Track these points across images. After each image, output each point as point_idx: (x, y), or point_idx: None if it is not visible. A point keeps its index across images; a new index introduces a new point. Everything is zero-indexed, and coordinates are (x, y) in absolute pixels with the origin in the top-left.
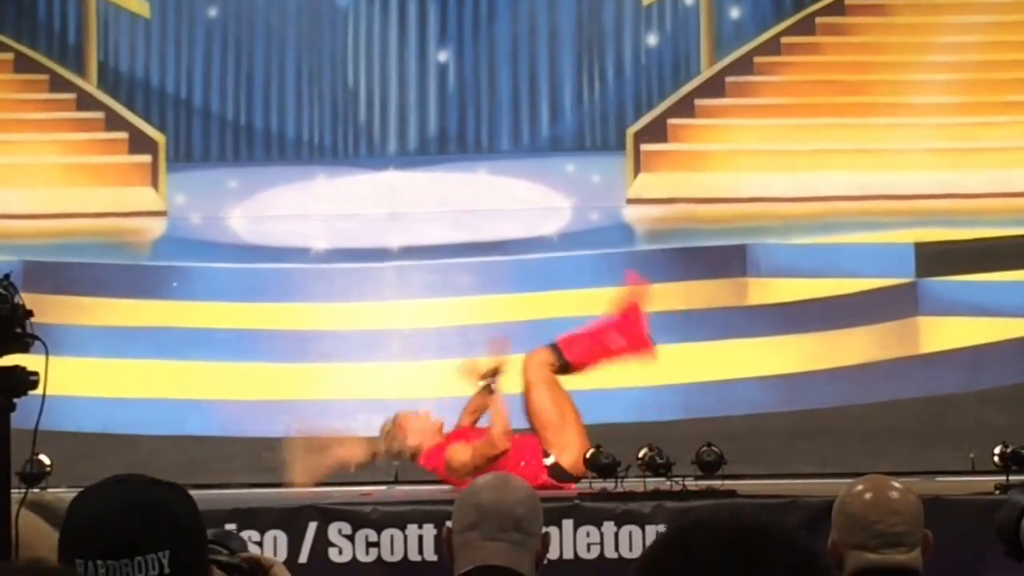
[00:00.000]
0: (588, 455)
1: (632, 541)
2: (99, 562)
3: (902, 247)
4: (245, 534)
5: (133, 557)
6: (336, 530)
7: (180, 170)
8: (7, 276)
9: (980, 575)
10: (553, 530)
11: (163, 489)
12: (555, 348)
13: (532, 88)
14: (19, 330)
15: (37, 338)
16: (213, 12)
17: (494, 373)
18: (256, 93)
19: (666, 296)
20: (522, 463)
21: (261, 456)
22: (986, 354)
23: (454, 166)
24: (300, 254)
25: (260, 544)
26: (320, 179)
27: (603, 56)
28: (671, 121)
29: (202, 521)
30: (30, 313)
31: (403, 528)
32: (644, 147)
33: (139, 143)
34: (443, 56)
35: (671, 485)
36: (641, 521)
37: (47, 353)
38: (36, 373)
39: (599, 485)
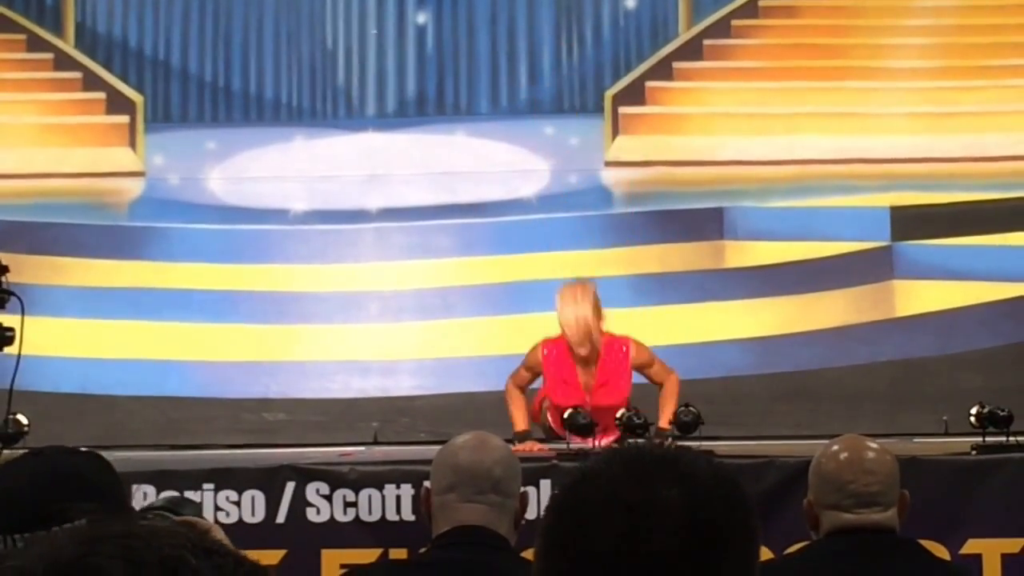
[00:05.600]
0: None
1: None
2: (16, 536)
3: (878, 211)
4: (223, 495)
5: (49, 529)
6: (314, 490)
7: (158, 131)
8: None
9: (957, 534)
10: (531, 490)
11: (80, 459)
12: None
13: (511, 50)
14: None
15: (12, 294)
16: None
17: None
18: (234, 54)
19: (643, 258)
20: None
21: (239, 417)
22: (960, 318)
23: (433, 128)
24: (279, 215)
25: (238, 504)
26: (298, 140)
27: (581, 18)
28: (649, 84)
29: (122, 489)
30: (5, 269)
31: (381, 488)
32: (622, 110)
33: (117, 103)
34: (422, 18)
35: None
36: None
37: (23, 309)
38: (12, 329)
39: (577, 446)
